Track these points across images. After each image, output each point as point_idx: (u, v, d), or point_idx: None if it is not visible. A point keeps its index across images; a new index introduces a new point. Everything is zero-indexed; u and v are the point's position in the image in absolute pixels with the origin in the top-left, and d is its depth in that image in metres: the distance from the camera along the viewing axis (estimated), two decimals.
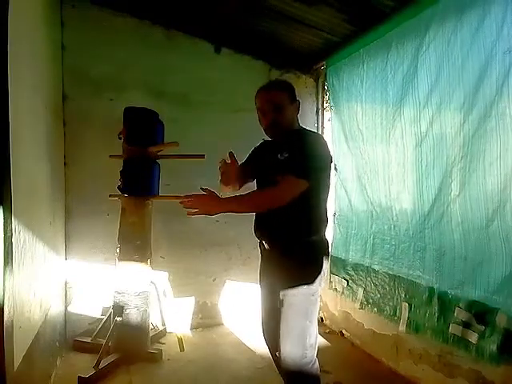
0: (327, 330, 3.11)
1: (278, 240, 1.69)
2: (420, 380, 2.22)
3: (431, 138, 2.18)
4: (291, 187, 1.51)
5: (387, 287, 2.51)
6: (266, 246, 1.75)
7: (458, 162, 1.97)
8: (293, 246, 1.64)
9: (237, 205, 1.56)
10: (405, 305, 2.33)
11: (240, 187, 1.89)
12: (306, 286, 1.60)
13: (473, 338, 1.84)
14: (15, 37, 1.46)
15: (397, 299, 2.42)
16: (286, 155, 1.59)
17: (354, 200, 2.90)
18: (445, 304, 2.05)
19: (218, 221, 3.15)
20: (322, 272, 1.67)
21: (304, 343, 1.59)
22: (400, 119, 2.37)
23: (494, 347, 1.73)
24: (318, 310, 1.69)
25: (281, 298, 1.63)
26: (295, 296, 1.60)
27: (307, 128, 1.81)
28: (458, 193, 1.97)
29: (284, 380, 1.74)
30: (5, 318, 1.30)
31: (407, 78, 2.30)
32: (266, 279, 1.81)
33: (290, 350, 1.58)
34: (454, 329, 1.96)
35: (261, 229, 1.76)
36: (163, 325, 2.98)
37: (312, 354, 1.62)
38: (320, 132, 3.48)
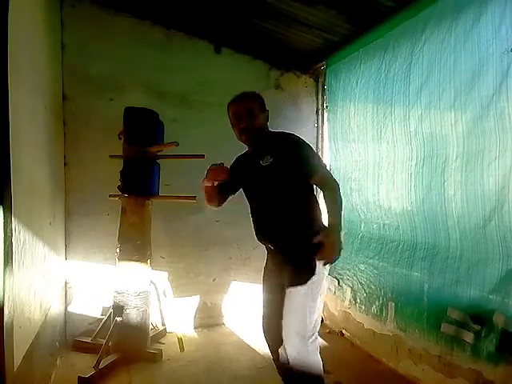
0: (327, 330, 3.11)
1: (284, 237, 1.75)
2: (420, 380, 2.22)
3: (421, 136, 2.18)
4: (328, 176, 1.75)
5: (373, 286, 2.52)
6: (270, 246, 1.82)
7: (453, 162, 1.98)
8: (298, 238, 1.72)
9: (339, 221, 1.67)
10: (391, 304, 2.33)
11: (222, 203, 1.97)
12: (311, 275, 1.69)
13: (468, 337, 1.84)
14: (15, 37, 1.46)
15: (383, 298, 2.43)
16: (271, 160, 1.69)
17: (345, 200, 2.91)
18: (436, 303, 2.05)
19: (218, 221, 3.17)
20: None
21: (305, 320, 1.66)
22: (391, 118, 2.38)
23: (491, 347, 1.73)
24: (321, 291, 1.76)
25: (287, 285, 1.70)
26: (301, 282, 1.68)
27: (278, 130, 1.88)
28: (453, 192, 1.97)
29: (282, 377, 1.80)
30: (5, 318, 1.30)
31: (399, 77, 2.31)
32: (272, 272, 1.87)
33: (294, 326, 1.66)
34: (445, 328, 1.95)
35: (264, 232, 1.82)
36: (163, 325, 2.98)
37: (315, 329, 1.70)
38: (320, 132, 3.49)
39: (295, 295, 1.68)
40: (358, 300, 2.67)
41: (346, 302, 2.80)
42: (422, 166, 2.18)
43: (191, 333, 3.00)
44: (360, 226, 2.75)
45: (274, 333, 1.80)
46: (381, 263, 2.48)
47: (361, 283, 2.64)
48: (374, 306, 2.50)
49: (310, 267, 1.69)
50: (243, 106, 1.80)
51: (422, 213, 2.18)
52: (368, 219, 2.66)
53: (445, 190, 2.02)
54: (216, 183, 1.77)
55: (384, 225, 2.51)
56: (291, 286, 1.68)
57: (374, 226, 2.60)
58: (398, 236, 2.38)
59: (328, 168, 1.74)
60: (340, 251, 1.65)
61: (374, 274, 2.53)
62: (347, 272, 2.80)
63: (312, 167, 1.70)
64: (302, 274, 1.69)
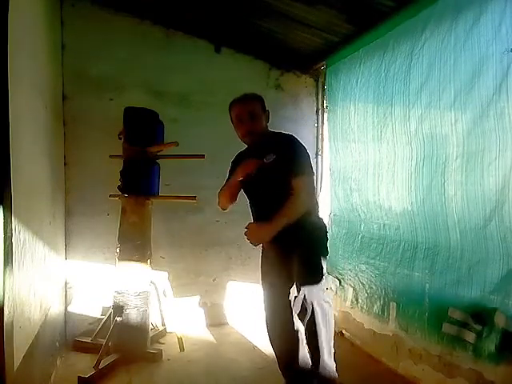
0: None
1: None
2: (420, 380, 2.22)
3: (421, 136, 2.18)
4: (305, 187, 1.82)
5: (374, 286, 2.53)
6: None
7: (453, 162, 1.97)
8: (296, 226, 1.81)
9: (288, 218, 1.75)
10: (393, 304, 2.33)
11: (235, 201, 2.05)
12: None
13: (469, 337, 1.84)
14: (15, 37, 1.46)
15: (384, 298, 2.43)
16: (274, 157, 1.82)
17: (345, 200, 2.92)
18: (437, 303, 2.05)
19: (218, 221, 3.17)
20: None
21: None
22: (391, 118, 2.38)
23: (492, 347, 1.73)
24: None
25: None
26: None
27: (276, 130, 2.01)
28: (453, 192, 1.97)
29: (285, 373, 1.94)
30: (5, 318, 1.30)
31: (399, 77, 2.30)
32: (274, 264, 1.95)
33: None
34: (447, 328, 1.95)
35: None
36: (163, 325, 2.97)
37: None
38: (320, 132, 3.49)
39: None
40: (360, 300, 2.68)
41: (348, 302, 2.80)
42: (422, 166, 2.18)
43: (191, 333, 3.00)
44: (360, 226, 2.75)
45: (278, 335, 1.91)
46: (382, 263, 2.48)
47: (362, 283, 2.64)
48: (376, 307, 2.50)
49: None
50: (246, 108, 1.88)
51: (422, 213, 2.18)
52: (368, 219, 2.66)
53: (445, 190, 2.02)
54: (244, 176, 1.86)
55: (384, 225, 2.51)
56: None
57: (375, 226, 2.60)
58: (398, 236, 2.38)
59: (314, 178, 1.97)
60: (259, 242, 1.83)
61: (376, 275, 2.53)
62: (348, 272, 2.81)
63: (298, 170, 1.79)
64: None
